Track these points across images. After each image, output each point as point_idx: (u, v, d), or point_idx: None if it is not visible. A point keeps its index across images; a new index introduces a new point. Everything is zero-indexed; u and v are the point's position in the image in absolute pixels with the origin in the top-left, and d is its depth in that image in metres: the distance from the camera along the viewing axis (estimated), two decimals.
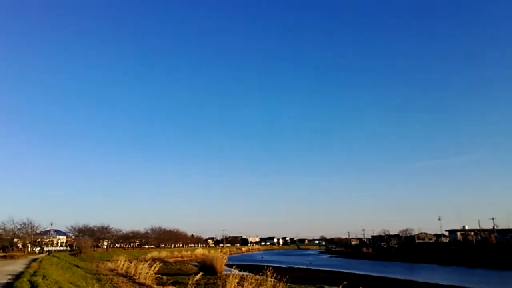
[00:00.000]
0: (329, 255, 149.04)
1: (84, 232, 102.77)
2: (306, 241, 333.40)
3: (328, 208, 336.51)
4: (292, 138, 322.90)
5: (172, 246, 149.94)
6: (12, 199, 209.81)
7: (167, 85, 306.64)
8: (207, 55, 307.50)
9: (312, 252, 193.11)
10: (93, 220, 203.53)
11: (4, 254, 69.19)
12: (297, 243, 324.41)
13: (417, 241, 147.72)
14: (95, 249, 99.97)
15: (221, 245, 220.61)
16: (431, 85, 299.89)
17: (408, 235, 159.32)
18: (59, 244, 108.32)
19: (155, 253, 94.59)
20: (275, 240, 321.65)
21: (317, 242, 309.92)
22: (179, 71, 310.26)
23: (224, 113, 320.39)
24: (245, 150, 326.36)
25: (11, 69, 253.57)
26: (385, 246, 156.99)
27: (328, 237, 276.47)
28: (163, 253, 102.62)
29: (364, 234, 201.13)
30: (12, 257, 63.08)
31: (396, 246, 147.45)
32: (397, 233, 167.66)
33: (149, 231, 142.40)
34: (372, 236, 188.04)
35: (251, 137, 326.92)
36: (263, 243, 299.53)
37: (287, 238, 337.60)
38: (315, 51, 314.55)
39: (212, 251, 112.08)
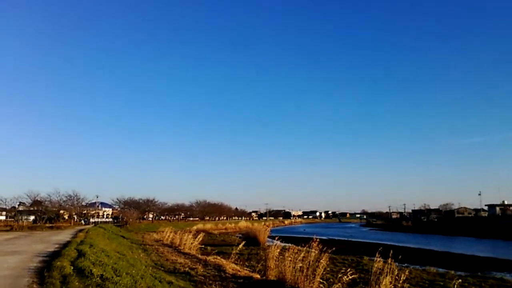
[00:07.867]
0: (370, 228, 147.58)
1: (130, 205, 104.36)
2: (348, 215, 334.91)
3: (370, 182, 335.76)
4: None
5: (217, 219, 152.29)
6: (58, 172, 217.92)
7: None
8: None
9: (353, 225, 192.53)
10: (138, 193, 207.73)
11: (51, 225, 69.37)
12: (338, 217, 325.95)
13: (456, 215, 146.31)
14: (141, 221, 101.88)
15: (264, 218, 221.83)
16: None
17: (448, 209, 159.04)
18: (105, 216, 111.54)
19: (200, 225, 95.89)
20: (317, 213, 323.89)
21: (358, 216, 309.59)
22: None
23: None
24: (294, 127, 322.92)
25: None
26: (425, 220, 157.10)
27: (369, 211, 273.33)
28: (208, 225, 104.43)
29: (405, 208, 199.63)
30: (58, 228, 62.91)
31: (436, 220, 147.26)
32: (437, 207, 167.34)
33: (194, 204, 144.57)
34: (412, 210, 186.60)
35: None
36: (305, 217, 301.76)
37: (329, 212, 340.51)
38: None
39: (255, 224, 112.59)
